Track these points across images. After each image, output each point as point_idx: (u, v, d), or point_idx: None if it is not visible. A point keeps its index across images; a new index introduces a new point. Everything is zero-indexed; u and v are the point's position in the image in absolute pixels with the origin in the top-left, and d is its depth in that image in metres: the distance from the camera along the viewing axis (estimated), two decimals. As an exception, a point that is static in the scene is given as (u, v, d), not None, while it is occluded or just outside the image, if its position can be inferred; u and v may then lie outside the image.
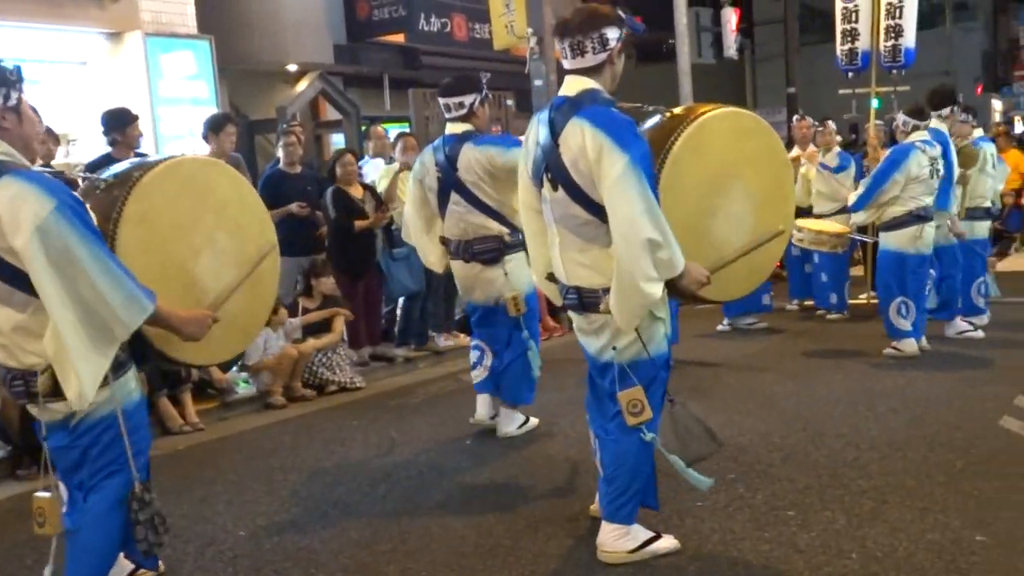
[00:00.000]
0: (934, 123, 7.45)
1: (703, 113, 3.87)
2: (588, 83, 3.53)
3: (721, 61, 19.27)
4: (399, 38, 15.42)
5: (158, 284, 3.20)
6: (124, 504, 3.23)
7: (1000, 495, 4.18)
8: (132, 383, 3.27)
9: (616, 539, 3.71)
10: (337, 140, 14.80)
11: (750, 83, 31.87)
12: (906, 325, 7.21)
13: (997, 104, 34.81)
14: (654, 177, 3.47)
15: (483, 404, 5.78)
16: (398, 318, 8.41)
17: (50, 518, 3.15)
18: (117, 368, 3.13)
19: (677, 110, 4.03)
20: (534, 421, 5.77)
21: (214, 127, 7.04)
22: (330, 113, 14.78)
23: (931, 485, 4.35)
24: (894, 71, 10.20)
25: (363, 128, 13.88)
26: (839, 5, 10.23)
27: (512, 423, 5.69)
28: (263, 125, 13.23)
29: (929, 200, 7.16)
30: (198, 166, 3.87)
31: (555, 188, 3.58)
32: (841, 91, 10.85)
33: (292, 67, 13.76)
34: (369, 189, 7.95)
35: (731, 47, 18.22)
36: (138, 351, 3.31)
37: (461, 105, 5.32)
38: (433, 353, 8.46)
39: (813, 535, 3.86)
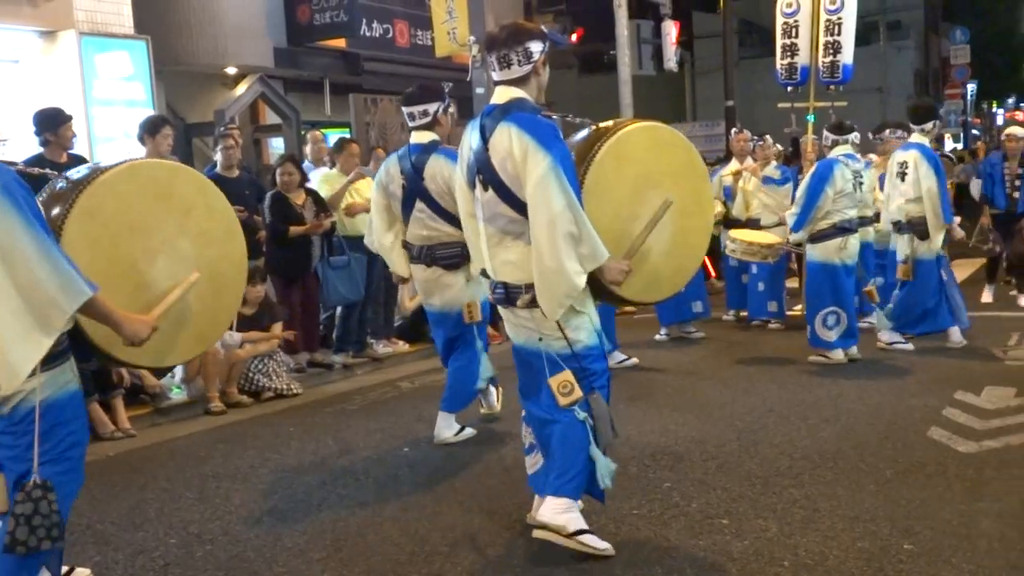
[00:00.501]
0: (916, 137, 7.76)
1: (625, 126, 4.14)
2: (516, 92, 3.80)
3: (661, 73, 19.48)
4: (340, 43, 15.32)
5: (104, 281, 3.18)
6: (68, 488, 3.16)
7: (927, 504, 4.28)
8: (67, 374, 3.18)
9: (558, 513, 3.78)
10: (276, 144, 14.69)
11: (690, 95, 32.31)
12: (830, 336, 7.49)
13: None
14: (577, 181, 3.69)
15: (491, 395, 6.09)
16: (336, 324, 8.35)
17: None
18: (49, 360, 3.06)
19: (604, 123, 4.23)
20: (470, 431, 5.77)
21: (150, 129, 6.93)
22: (269, 117, 14.65)
23: (861, 494, 4.44)
24: (831, 86, 10.42)
25: (302, 133, 13.80)
26: (779, 20, 10.42)
27: (450, 429, 5.70)
28: (201, 128, 13.06)
29: (854, 212, 7.45)
30: (162, 169, 3.86)
31: (485, 189, 3.83)
32: (780, 105, 11.01)
33: (231, 70, 13.62)
34: (312, 195, 7.88)
35: (671, 59, 18.40)
36: (82, 348, 3.28)
37: (425, 113, 5.44)
38: (371, 360, 8.42)
39: (746, 543, 3.91)
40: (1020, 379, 6.58)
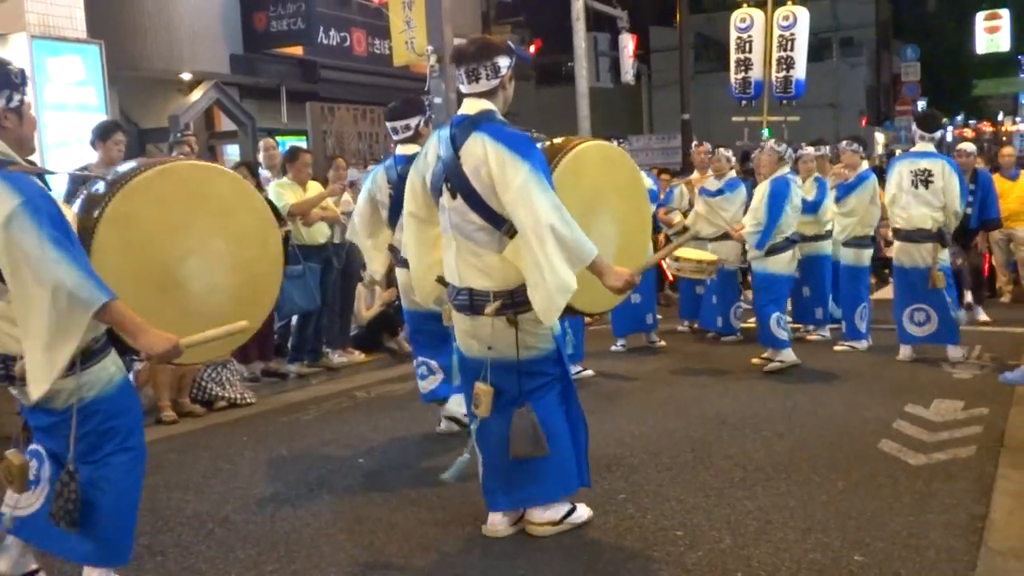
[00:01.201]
0: (922, 146, 7.76)
1: (580, 143, 4.42)
2: (484, 104, 3.96)
3: (618, 86, 19.65)
4: (297, 50, 15.27)
5: (137, 283, 3.32)
6: (136, 473, 3.41)
7: (878, 516, 4.34)
8: (110, 368, 3.36)
9: (544, 510, 4.14)
10: (232, 151, 14.57)
11: (646, 108, 32.60)
12: (784, 335, 7.78)
13: (880, 137, 36.37)
14: (551, 183, 3.82)
15: (455, 402, 6.00)
16: (291, 333, 8.29)
17: (17, 479, 3.35)
18: (88, 358, 3.23)
19: (556, 140, 4.51)
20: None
21: (101, 134, 6.85)
22: (225, 124, 14.55)
23: (813, 506, 4.50)
24: (784, 101, 10.58)
25: (258, 140, 13.69)
26: (733, 35, 10.58)
27: (461, 407, 5.73)
28: (155, 134, 12.92)
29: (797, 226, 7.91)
30: (196, 171, 3.89)
31: (454, 196, 3.95)
32: (734, 119, 11.18)
33: (186, 75, 13.50)
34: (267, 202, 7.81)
35: (628, 72, 18.58)
36: (118, 342, 3.39)
37: (407, 127, 5.67)
38: (327, 369, 8.37)
39: (700, 554, 3.94)
40: (967, 392, 6.71)
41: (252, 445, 6.06)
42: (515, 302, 3.94)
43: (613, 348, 9.04)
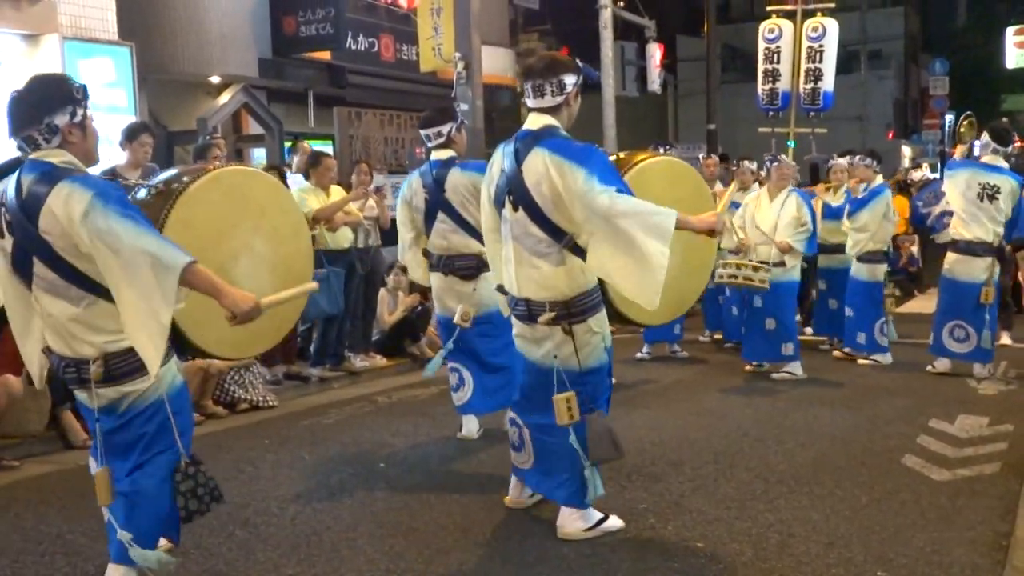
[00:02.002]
0: (992, 159, 7.65)
1: (643, 159, 4.63)
2: (548, 120, 4.07)
3: (645, 95, 19.62)
4: (325, 55, 15.32)
5: None
6: (171, 477, 3.47)
7: (901, 531, 4.30)
8: (174, 369, 3.52)
9: (575, 520, 4.22)
10: (259, 155, 14.63)
11: (672, 118, 32.49)
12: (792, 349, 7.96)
13: (907, 150, 36.09)
14: (618, 176, 3.97)
15: (471, 420, 6.09)
16: (314, 337, 8.31)
17: (101, 491, 3.43)
18: (163, 357, 3.31)
19: (621, 154, 4.71)
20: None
21: (128, 136, 6.91)
22: (252, 127, 14.60)
23: (836, 520, 4.46)
24: (812, 113, 10.52)
25: (287, 144, 13.75)
26: (761, 46, 10.53)
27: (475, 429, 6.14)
28: (183, 136, 12.99)
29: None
30: (240, 176, 4.14)
31: (515, 209, 4.09)
32: (760, 129, 11.11)
33: (215, 79, 13.57)
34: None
35: (655, 82, 18.56)
36: (177, 342, 3.52)
37: (440, 134, 5.81)
38: (348, 374, 8.38)
39: (721, 567, 3.92)
40: (992, 408, 6.65)
41: (274, 448, 6.08)
42: (571, 313, 4.07)
43: (638, 355, 9.04)
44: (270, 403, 7.30)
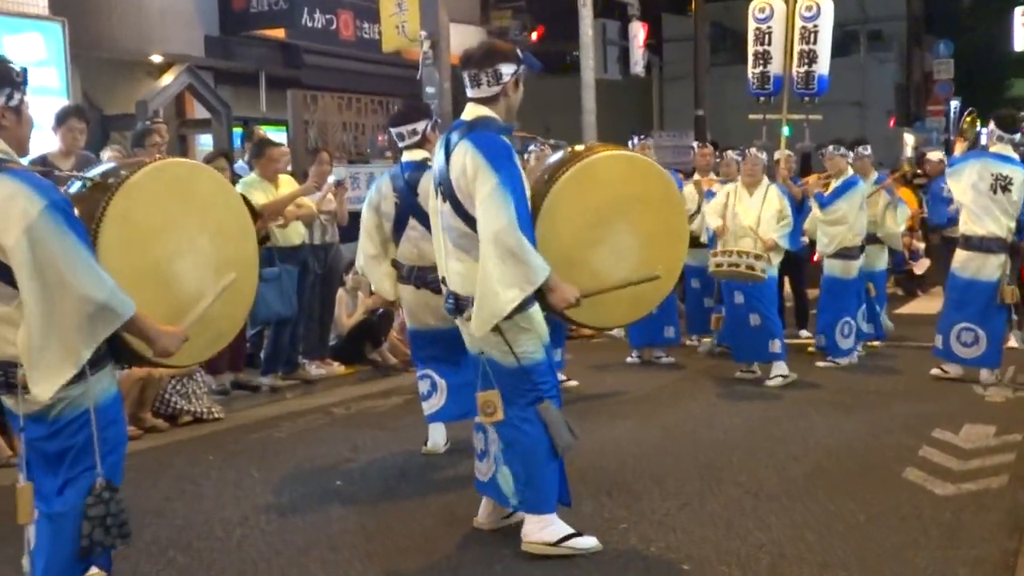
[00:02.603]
0: (1001, 148, 7.70)
1: (595, 153, 4.71)
2: (484, 111, 4.24)
3: (627, 78, 19.67)
4: (279, 33, 15.26)
5: (136, 283, 3.44)
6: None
7: (902, 550, 4.32)
8: (108, 378, 3.47)
9: (540, 529, 4.26)
10: (205, 141, 14.55)
11: (657, 103, 32.58)
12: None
13: (909, 138, 36.37)
14: (526, 202, 4.12)
15: (437, 432, 6.05)
16: (265, 342, 8.26)
17: (21, 508, 3.37)
18: (94, 363, 3.31)
19: (579, 147, 4.79)
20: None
21: (58, 120, 6.83)
22: (198, 111, 14.51)
23: (831, 538, 4.47)
24: (806, 98, 10.56)
25: (235, 129, 13.67)
26: (752, 26, 10.55)
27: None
28: (120, 121, 12.87)
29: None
30: (184, 168, 4.15)
31: (444, 201, 4.29)
32: (751, 116, 11.14)
33: (156, 58, 13.48)
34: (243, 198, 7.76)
35: (638, 63, 18.62)
36: (116, 350, 3.49)
37: (414, 132, 5.84)
38: (303, 382, 8.35)
39: (707, 591, 3.92)
40: (999, 417, 6.71)
41: (219, 464, 6.03)
42: None
43: (628, 360, 9.08)
44: (216, 415, 7.25)
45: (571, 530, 4.30)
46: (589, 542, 4.32)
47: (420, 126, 5.82)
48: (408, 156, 5.89)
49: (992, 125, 7.85)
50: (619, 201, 4.59)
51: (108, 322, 3.22)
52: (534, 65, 4.40)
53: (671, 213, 4.87)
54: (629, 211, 4.60)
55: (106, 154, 7.68)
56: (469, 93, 4.29)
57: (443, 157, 4.27)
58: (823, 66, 10.31)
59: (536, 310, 4.22)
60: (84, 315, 3.17)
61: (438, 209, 4.36)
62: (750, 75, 10.54)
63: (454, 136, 4.25)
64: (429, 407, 5.98)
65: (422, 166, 5.74)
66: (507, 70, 4.21)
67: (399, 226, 5.90)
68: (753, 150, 8.33)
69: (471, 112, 4.28)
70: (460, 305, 4.29)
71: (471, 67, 4.24)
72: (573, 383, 7.94)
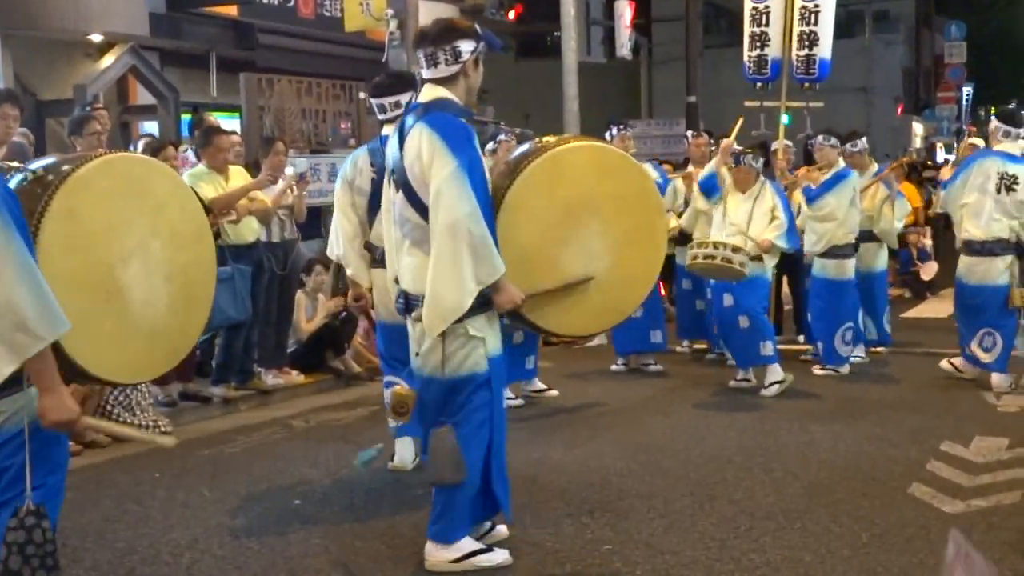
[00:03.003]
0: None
1: (565, 143, 4.75)
2: (441, 92, 4.28)
3: (613, 60, 19.75)
4: (231, 11, 15.22)
5: (78, 290, 3.48)
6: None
7: (907, 573, 4.38)
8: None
9: (438, 550, 4.37)
10: (150, 128, 14.48)
11: (645, 88, 32.75)
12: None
13: (918, 128, 36.65)
14: (487, 190, 4.20)
15: (405, 447, 6.06)
16: (216, 350, 8.25)
17: None
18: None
19: (549, 138, 4.84)
20: None
21: (-13, 106, 6.80)
22: (142, 96, 14.45)
23: (832, 560, 4.53)
24: (807, 84, 10.65)
25: (183, 116, 13.62)
26: (748, 5, 10.63)
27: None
28: (56, 107, 12.81)
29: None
30: (136, 164, 4.13)
31: (397, 190, 4.35)
32: (747, 103, 11.23)
33: (96, 37, 13.40)
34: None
35: (624, 45, 18.67)
36: (61, 368, 3.37)
37: (398, 104, 5.78)
38: (258, 393, 8.35)
39: (698, 617, 3.97)
40: (1012, 428, 6.80)
41: (166, 482, 6.03)
42: None
43: (612, 368, 9.14)
44: (162, 428, 7.23)
45: (478, 546, 4.41)
46: (496, 558, 4.41)
47: (404, 98, 5.76)
48: (388, 130, 5.77)
49: (995, 122, 8.03)
50: (590, 198, 4.62)
51: (44, 333, 3.09)
52: (494, 44, 4.44)
53: (648, 213, 4.88)
54: (601, 209, 4.64)
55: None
56: (425, 73, 4.33)
57: (397, 143, 4.31)
58: (825, 49, 10.39)
59: (491, 316, 4.28)
60: (17, 320, 3.05)
61: (392, 199, 4.41)
62: (746, 59, 10.62)
63: (409, 119, 4.28)
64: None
65: None
66: (466, 47, 4.25)
67: (374, 205, 5.75)
68: (749, 158, 8.40)
69: (428, 93, 4.31)
70: (411, 304, 4.31)
71: (427, 45, 4.27)
72: (553, 393, 7.99)
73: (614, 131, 9.15)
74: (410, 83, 5.89)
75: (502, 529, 4.67)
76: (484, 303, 4.19)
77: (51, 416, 3.20)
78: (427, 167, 4.11)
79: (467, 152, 4.10)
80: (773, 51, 10.46)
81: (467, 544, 4.38)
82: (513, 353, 7.48)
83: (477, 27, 4.36)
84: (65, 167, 3.68)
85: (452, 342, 4.20)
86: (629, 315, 5.06)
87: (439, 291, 4.09)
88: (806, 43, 10.32)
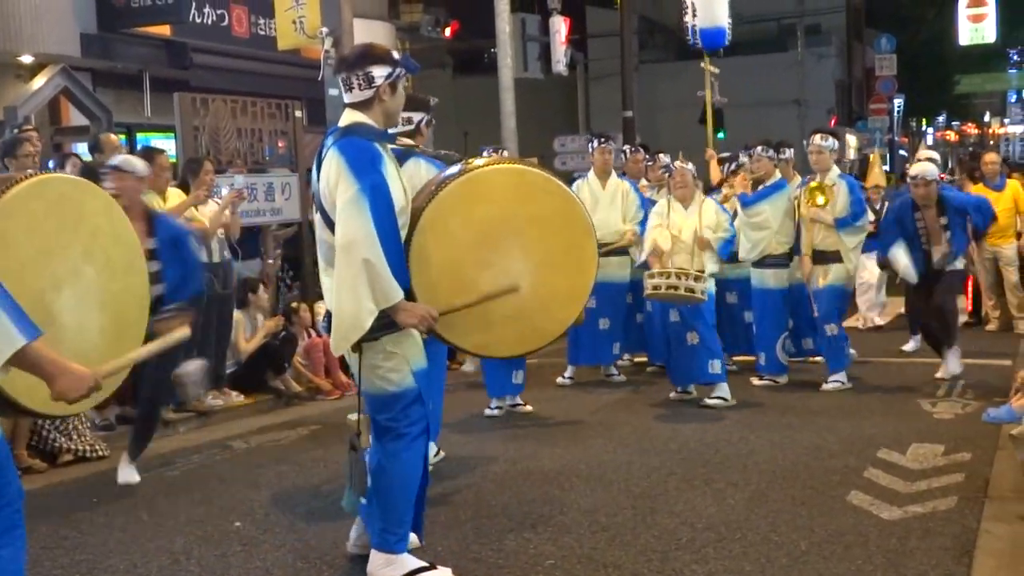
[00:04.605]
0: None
1: (485, 167, 4.81)
2: (357, 116, 4.38)
3: (550, 77, 19.83)
4: (164, 30, 15.10)
5: None
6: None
7: (846, 579, 4.44)
8: None
9: (381, 567, 4.38)
10: (82, 150, 14.32)
11: (583, 103, 32.87)
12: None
13: (852, 139, 37.13)
14: (390, 214, 4.21)
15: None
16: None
17: None
18: None
19: (476, 160, 4.93)
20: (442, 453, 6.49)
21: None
22: (75, 117, 14.28)
23: (772, 570, 4.58)
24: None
25: (122, 136, 13.48)
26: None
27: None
28: (-14, 128, 12.64)
29: None
30: (70, 186, 4.02)
31: (315, 211, 4.45)
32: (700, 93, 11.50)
33: (27, 58, 13.26)
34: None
35: (560, 61, 18.76)
36: None
37: (409, 121, 5.84)
38: (197, 414, 8.27)
39: (641, 629, 3.99)
40: (948, 434, 6.91)
41: (104, 507, 5.96)
42: None
43: (559, 380, 9.20)
44: (100, 453, 7.15)
45: (418, 563, 4.42)
46: (443, 574, 4.44)
47: (416, 116, 5.90)
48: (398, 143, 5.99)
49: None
50: (511, 219, 4.62)
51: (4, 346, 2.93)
52: (411, 68, 4.51)
53: (575, 235, 4.80)
54: (523, 231, 4.64)
55: None
56: (344, 98, 4.44)
57: (316, 165, 4.41)
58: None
59: (408, 333, 4.33)
60: None
61: (316, 221, 4.52)
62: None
63: (328, 142, 4.38)
64: None
65: (407, 154, 5.79)
66: (379, 73, 4.33)
67: None
68: (679, 163, 8.51)
69: (345, 118, 4.41)
70: (330, 324, 4.37)
71: (343, 70, 4.40)
72: (528, 408, 8.13)
73: (595, 143, 9.30)
74: (423, 105, 6.06)
75: (413, 538, 4.66)
76: (391, 323, 4.26)
77: (73, 394, 3.14)
78: (333, 190, 4.21)
79: (371, 176, 4.17)
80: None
81: (409, 562, 4.40)
82: (500, 367, 7.69)
83: (394, 53, 4.49)
84: None
85: (372, 358, 4.31)
86: (555, 337, 4.98)
87: (339, 311, 4.20)
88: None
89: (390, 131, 4.58)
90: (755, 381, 8.87)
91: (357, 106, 4.38)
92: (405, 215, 4.38)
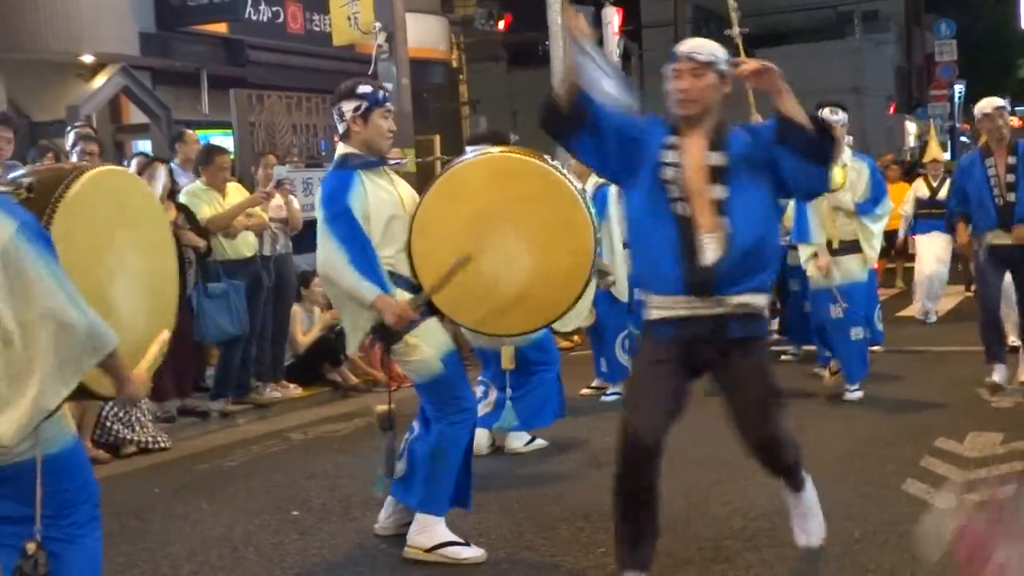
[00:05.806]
0: None
1: (460, 164, 5.00)
2: (342, 148, 4.77)
3: (604, 68, 19.77)
4: (221, 28, 15.26)
5: None
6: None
7: (900, 569, 4.42)
8: (63, 421, 3.29)
9: (417, 532, 4.68)
10: (144, 148, 14.54)
11: (638, 94, 32.79)
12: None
13: (911, 126, 36.67)
14: (352, 235, 4.56)
15: (482, 436, 6.33)
16: (215, 365, 8.29)
17: None
18: None
19: (455, 160, 5.15)
20: (541, 441, 6.79)
21: (-25, 129, 6.84)
22: (134, 115, 14.51)
23: (825, 557, 4.56)
24: None
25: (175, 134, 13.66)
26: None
27: (519, 439, 6.73)
28: (50, 128, 12.84)
29: None
30: (116, 177, 4.04)
31: None
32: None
33: (88, 58, 13.47)
34: (183, 210, 7.78)
35: (613, 52, 18.71)
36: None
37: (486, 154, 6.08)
38: (256, 407, 8.38)
39: (692, 617, 4.00)
40: (1007, 422, 6.83)
41: (166, 497, 6.07)
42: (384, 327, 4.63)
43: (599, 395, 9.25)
44: (162, 444, 7.27)
45: (452, 537, 4.68)
46: (467, 552, 4.67)
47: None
48: None
49: None
50: (497, 206, 4.77)
51: (88, 356, 3.08)
52: (373, 101, 4.67)
53: (561, 206, 4.87)
54: (512, 214, 4.77)
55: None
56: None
57: None
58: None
59: (427, 325, 4.67)
60: (64, 346, 3.03)
61: None
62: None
63: None
64: (479, 409, 5.94)
65: None
66: (347, 107, 4.67)
67: None
68: None
69: (337, 150, 4.84)
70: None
71: (330, 107, 4.84)
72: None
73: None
74: (504, 140, 6.30)
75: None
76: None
77: (141, 394, 3.51)
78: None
79: (333, 206, 4.57)
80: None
81: (439, 534, 4.67)
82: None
83: (363, 87, 4.70)
84: (57, 187, 3.52)
85: (398, 354, 4.69)
86: (564, 312, 5.02)
87: (346, 323, 4.86)
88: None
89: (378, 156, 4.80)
90: (818, 371, 8.72)
91: (342, 138, 4.78)
92: (400, 220, 4.69)
